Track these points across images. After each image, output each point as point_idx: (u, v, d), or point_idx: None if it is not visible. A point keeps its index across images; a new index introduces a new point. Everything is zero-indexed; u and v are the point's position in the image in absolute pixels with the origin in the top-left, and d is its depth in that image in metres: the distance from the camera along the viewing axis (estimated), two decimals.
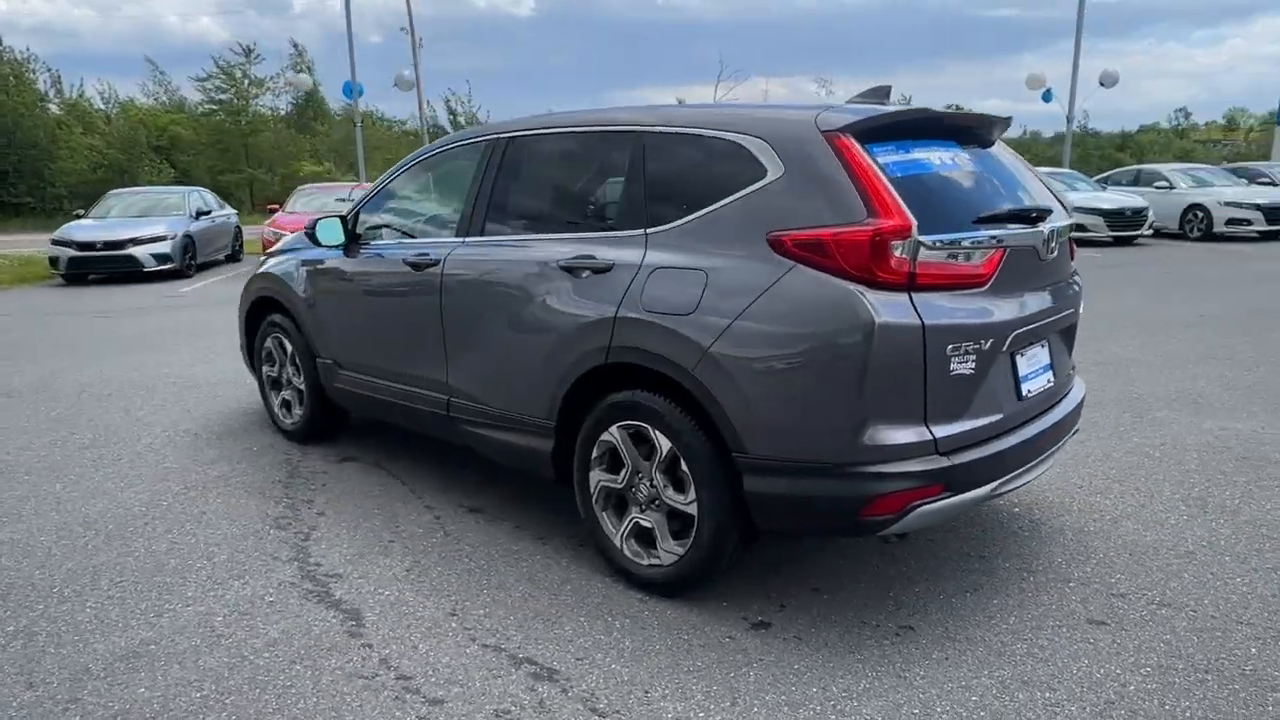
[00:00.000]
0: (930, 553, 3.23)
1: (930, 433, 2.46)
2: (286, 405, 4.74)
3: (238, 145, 40.10)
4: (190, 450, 4.60)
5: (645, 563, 2.94)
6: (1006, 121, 3.07)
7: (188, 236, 12.98)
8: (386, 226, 4.13)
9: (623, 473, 2.96)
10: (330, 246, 4.10)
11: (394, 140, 41.00)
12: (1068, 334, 3.13)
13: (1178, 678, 2.42)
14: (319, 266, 4.27)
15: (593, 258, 2.96)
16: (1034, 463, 2.82)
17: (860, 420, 2.41)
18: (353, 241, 4.11)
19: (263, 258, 5.03)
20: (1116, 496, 3.74)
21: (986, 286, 2.57)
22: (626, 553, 2.99)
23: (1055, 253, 2.86)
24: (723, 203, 2.69)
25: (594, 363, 2.93)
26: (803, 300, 2.44)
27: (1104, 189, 16.56)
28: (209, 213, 14.16)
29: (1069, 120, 20.23)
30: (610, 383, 2.96)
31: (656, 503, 2.88)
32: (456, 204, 3.70)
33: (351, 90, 18.57)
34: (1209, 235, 15.56)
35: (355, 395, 4.18)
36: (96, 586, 3.08)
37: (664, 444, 2.78)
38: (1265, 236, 15.71)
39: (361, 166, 19.05)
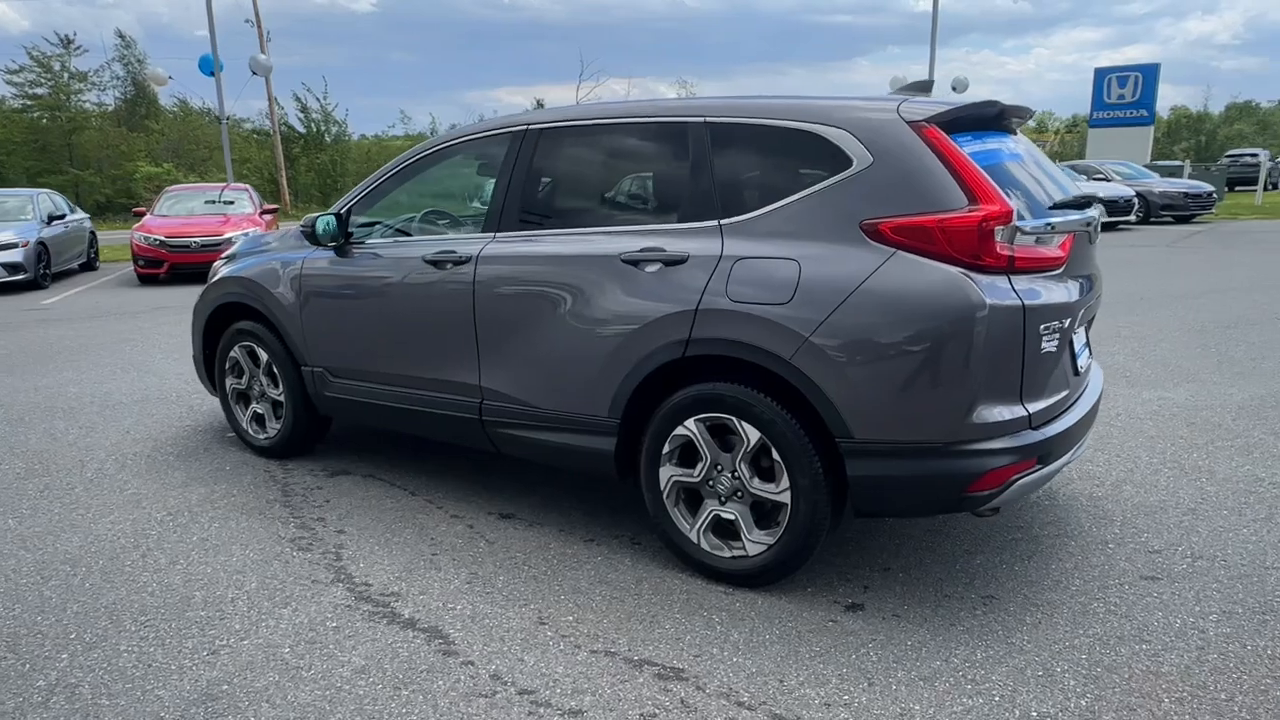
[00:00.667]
0: (973, 526, 3.38)
1: (1025, 409, 2.59)
2: (259, 419, 4.39)
3: (59, 144, 36.60)
4: (153, 473, 4.17)
5: (727, 555, 2.93)
6: (1031, 113, 3.26)
7: (41, 244, 11.71)
8: (382, 224, 3.91)
9: (699, 466, 2.93)
10: (327, 246, 3.84)
11: (242, 140, 38.55)
12: (1091, 316, 3.36)
13: (1243, 621, 2.66)
14: (307, 268, 3.98)
15: (662, 250, 2.92)
16: (1088, 433, 3.02)
17: (969, 400, 2.50)
18: (344, 241, 3.86)
19: (218, 262, 4.64)
20: (1105, 464, 4.05)
21: (1061, 269, 2.73)
22: (705, 546, 2.96)
23: (1095, 238, 3.07)
24: (806, 192, 2.73)
25: (669, 356, 2.89)
26: (909, 286, 2.51)
27: None
28: (62, 217, 12.82)
29: None
30: (683, 376, 2.93)
31: (739, 494, 2.88)
32: (478, 199, 3.55)
33: (212, 66, 16.97)
34: None
35: (353, 404, 3.93)
36: (121, 628, 2.75)
37: (752, 434, 2.78)
38: (1105, 227, 17.36)
39: (229, 163, 17.73)
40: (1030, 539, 3.27)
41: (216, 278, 4.45)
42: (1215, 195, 18.99)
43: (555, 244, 3.22)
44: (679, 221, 2.97)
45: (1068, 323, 2.71)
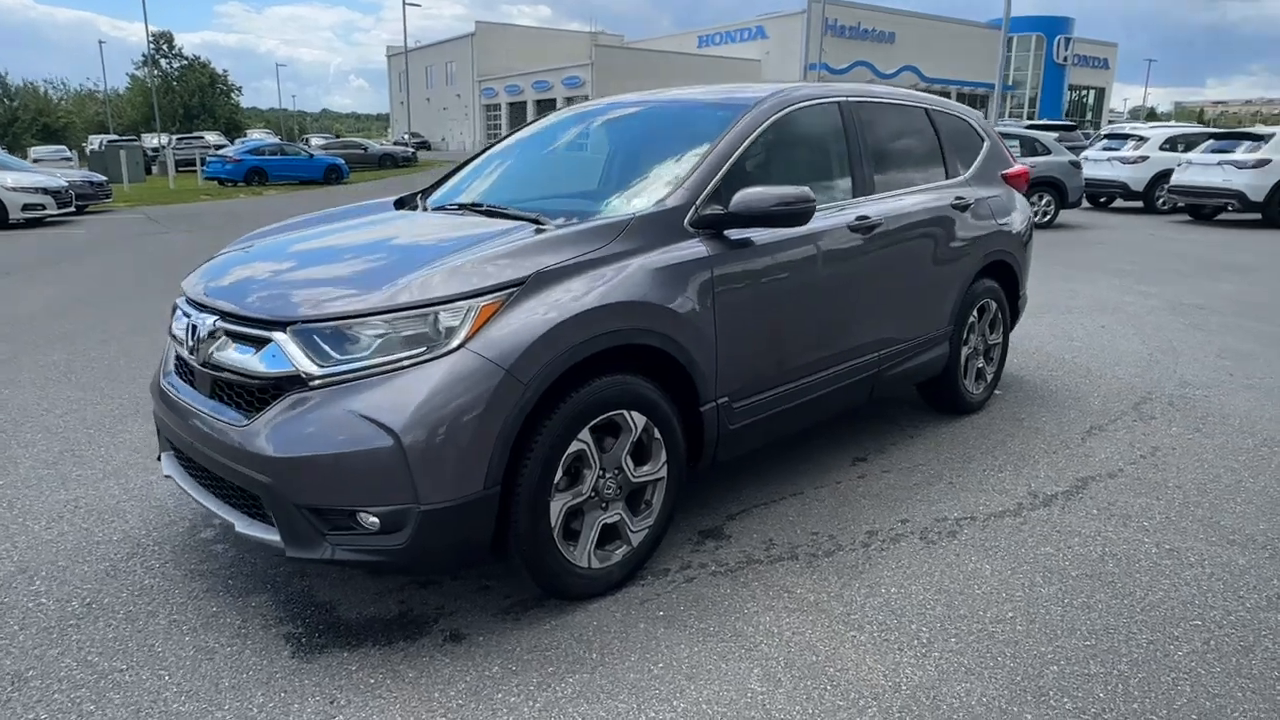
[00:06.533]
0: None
1: None
2: (605, 535, 2.71)
3: None
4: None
5: (981, 395, 4.57)
6: None
7: None
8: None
9: (974, 340, 4.44)
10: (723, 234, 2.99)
11: None
12: None
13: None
14: (725, 267, 2.89)
15: (964, 198, 4.19)
16: None
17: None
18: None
19: (485, 282, 2.32)
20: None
21: None
22: (978, 392, 4.51)
23: None
24: (979, 159, 4.54)
25: (981, 265, 4.27)
26: (1020, 203, 4.76)
27: None
28: None
29: None
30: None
31: (989, 354, 4.57)
32: (824, 165, 3.59)
33: None
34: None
35: (760, 426, 3.20)
36: None
37: (993, 307, 4.53)
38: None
39: None
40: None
41: (581, 307, 2.42)
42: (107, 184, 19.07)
43: (912, 201, 3.87)
44: (948, 178, 4.23)
45: None
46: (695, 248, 2.86)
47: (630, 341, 2.61)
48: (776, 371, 3.22)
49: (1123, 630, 2.53)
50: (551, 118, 4.14)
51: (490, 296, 2.38)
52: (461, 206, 3.34)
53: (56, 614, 2.63)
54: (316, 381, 2.31)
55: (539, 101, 56.21)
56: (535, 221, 2.85)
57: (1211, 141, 15.13)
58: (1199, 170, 14.37)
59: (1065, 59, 59.28)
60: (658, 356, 2.75)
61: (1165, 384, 5.07)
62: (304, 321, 2.36)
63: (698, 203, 2.93)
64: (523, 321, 2.38)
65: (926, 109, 4.27)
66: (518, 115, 59.17)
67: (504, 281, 2.41)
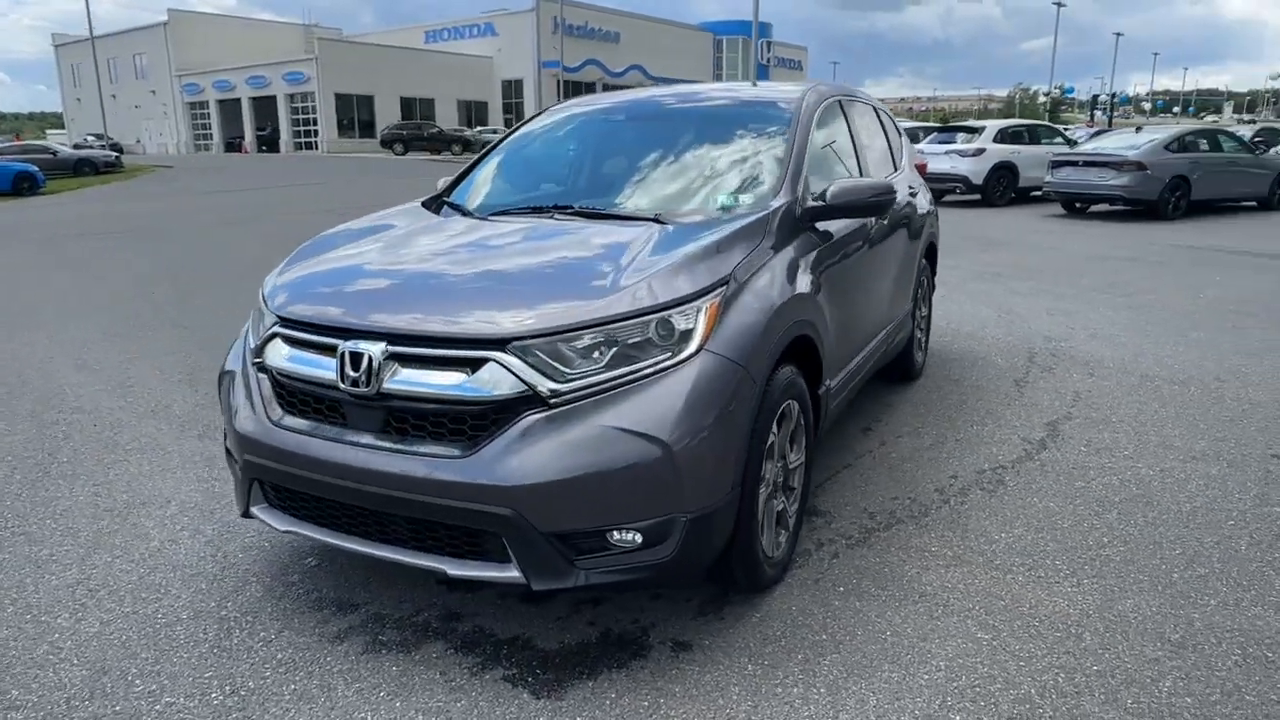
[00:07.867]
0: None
1: None
2: (780, 521, 2.79)
3: None
4: None
5: (922, 363, 5.13)
6: None
7: None
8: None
9: (916, 314, 4.97)
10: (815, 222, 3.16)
11: None
12: None
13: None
14: (826, 256, 3.09)
15: (914, 187, 4.68)
16: None
17: None
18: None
19: (704, 282, 2.30)
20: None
21: None
22: (920, 360, 5.05)
23: None
24: (905, 150, 5.06)
25: (925, 246, 4.79)
26: (927, 191, 5.37)
27: None
28: None
29: None
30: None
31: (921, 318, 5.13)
32: (841, 158, 3.83)
33: None
34: None
35: (839, 404, 3.41)
36: None
37: (926, 284, 5.10)
38: None
39: None
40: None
41: (793, 296, 2.44)
42: None
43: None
44: (896, 169, 4.68)
45: None
46: (808, 239, 3.00)
47: (799, 333, 2.71)
48: (846, 353, 3.44)
49: (1192, 539, 3.07)
50: (556, 115, 4.01)
51: (710, 296, 2.37)
52: (538, 210, 3.18)
53: (202, 710, 2.21)
54: (556, 399, 2.17)
55: (255, 99, 51.64)
56: (657, 221, 2.84)
57: (936, 134, 17.58)
58: (931, 159, 16.61)
59: (768, 60, 65.07)
60: (801, 345, 2.86)
61: (1034, 340, 5.97)
62: (529, 337, 2.19)
63: (799, 196, 3.07)
64: (742, 318, 2.40)
65: (874, 106, 4.69)
66: (231, 113, 53.93)
67: (716, 280, 2.41)
